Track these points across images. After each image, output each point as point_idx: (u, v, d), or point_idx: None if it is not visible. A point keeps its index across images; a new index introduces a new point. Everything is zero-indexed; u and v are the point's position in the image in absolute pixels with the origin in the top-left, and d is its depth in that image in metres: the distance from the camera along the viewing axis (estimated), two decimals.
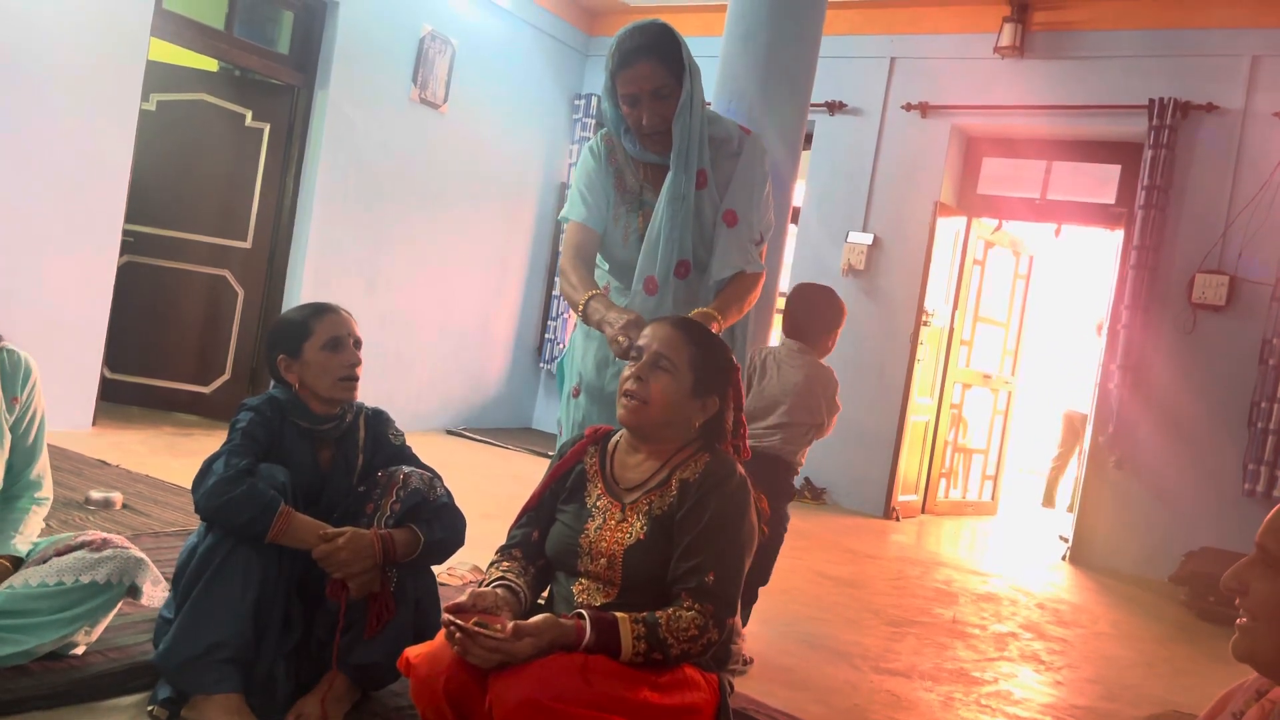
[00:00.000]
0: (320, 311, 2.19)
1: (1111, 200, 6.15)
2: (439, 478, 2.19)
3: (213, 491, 1.94)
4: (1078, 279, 9.40)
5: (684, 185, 2.36)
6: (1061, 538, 6.11)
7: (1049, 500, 8.17)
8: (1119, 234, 5.86)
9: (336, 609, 2.02)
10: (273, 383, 2.21)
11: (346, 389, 2.16)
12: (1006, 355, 7.21)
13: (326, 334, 2.15)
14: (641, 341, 1.92)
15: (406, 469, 2.15)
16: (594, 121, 7.37)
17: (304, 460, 2.14)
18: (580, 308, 2.27)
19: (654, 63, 2.29)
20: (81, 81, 4.65)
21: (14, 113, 4.44)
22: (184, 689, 1.94)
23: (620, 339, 2.01)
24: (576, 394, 2.53)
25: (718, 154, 2.43)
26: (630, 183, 2.47)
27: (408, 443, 2.30)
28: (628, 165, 2.48)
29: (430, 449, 3.12)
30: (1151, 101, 5.49)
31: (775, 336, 3.54)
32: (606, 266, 2.56)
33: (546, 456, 5.43)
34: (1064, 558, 5.74)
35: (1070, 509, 7.14)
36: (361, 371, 2.18)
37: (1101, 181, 6.21)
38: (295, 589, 2.08)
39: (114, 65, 4.78)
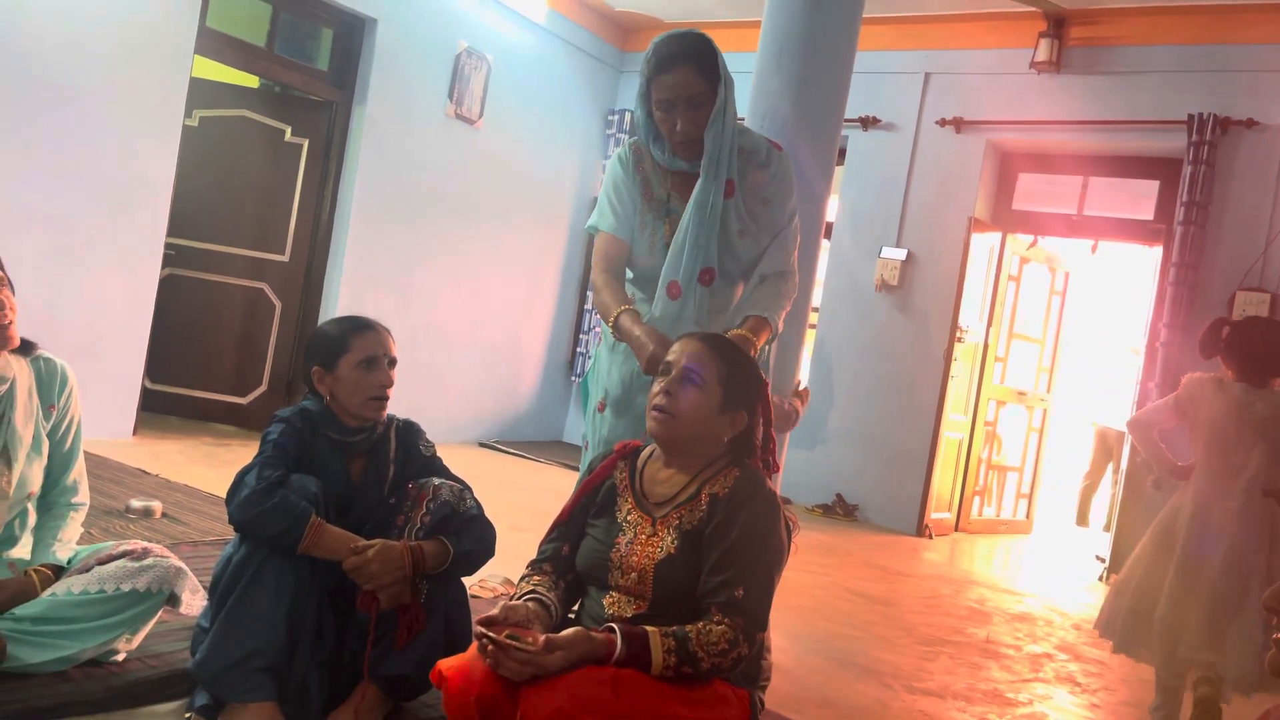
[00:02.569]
0: (359, 328, 2.21)
1: (1150, 216, 6.07)
2: (469, 489, 2.21)
3: (245, 503, 1.97)
4: (1114, 296, 9.29)
5: (713, 193, 2.37)
6: (1098, 558, 6.02)
7: (1082, 519, 8.04)
8: (1157, 250, 5.78)
9: (368, 620, 2.04)
10: (306, 394, 2.24)
11: (375, 408, 2.18)
12: (1042, 372, 7.13)
13: (363, 352, 2.17)
14: (670, 357, 1.93)
15: (437, 481, 2.17)
16: (627, 136, 7.41)
17: (335, 472, 2.16)
18: (612, 322, 2.30)
19: (691, 70, 2.30)
20: (127, 99, 4.76)
21: (62, 129, 4.55)
22: (220, 697, 1.97)
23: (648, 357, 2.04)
24: (602, 409, 2.53)
25: (746, 165, 2.44)
26: (657, 191, 2.48)
27: (439, 454, 2.31)
28: (655, 173, 2.49)
29: (462, 461, 3.15)
30: (1190, 117, 5.43)
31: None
32: (631, 275, 2.56)
33: (577, 470, 5.43)
34: (1100, 578, 5.65)
35: (1105, 527, 7.04)
36: (392, 391, 2.21)
37: (1139, 197, 6.14)
38: (328, 600, 2.10)
39: (159, 83, 4.88)
